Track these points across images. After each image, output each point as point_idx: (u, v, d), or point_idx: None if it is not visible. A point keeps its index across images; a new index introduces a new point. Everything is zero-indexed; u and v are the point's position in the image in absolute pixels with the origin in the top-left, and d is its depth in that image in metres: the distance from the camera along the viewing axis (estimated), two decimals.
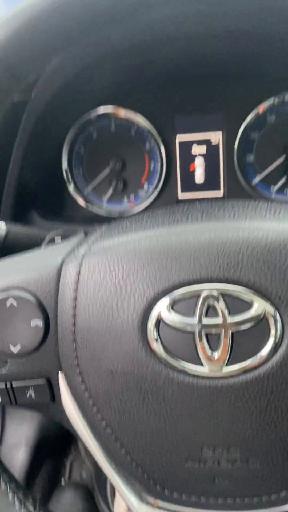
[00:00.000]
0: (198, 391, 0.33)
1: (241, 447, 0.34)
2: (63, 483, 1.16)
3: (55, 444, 1.15)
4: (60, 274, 0.37)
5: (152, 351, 0.34)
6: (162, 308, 0.33)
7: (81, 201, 0.74)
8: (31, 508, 0.41)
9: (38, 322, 0.37)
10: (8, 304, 0.37)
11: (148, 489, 0.37)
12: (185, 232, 0.35)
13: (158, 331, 0.34)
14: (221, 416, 0.34)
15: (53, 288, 0.37)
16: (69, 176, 0.73)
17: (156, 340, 0.34)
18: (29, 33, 0.35)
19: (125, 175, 0.74)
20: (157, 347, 0.34)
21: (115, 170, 0.73)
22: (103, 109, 0.70)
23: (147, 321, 0.34)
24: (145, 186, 0.74)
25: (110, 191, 0.74)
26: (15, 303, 0.37)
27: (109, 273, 0.35)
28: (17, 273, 0.38)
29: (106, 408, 0.36)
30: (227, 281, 0.33)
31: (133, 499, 0.38)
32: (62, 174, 0.73)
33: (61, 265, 0.37)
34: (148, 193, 0.74)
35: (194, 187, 0.73)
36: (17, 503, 0.40)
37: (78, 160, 0.73)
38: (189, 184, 0.73)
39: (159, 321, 0.34)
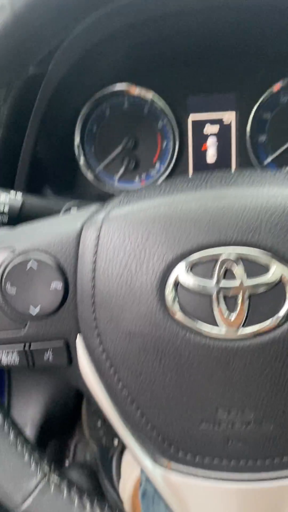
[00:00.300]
0: (214, 352, 0.34)
1: (256, 409, 0.35)
2: (67, 464, 1.17)
3: (60, 425, 1.16)
4: (79, 238, 0.38)
5: (169, 313, 0.35)
6: (180, 271, 0.34)
7: (92, 179, 0.74)
8: (46, 469, 0.42)
9: (57, 285, 0.37)
10: (28, 266, 0.37)
11: (162, 451, 0.38)
12: (205, 197, 0.36)
13: (176, 293, 0.34)
14: (236, 378, 0.34)
15: (72, 252, 0.38)
16: (81, 154, 0.73)
17: (174, 302, 0.34)
18: (45, 2, 0.36)
19: (137, 154, 0.74)
20: (175, 309, 0.34)
21: (127, 149, 0.73)
22: (116, 87, 0.71)
23: (165, 284, 0.35)
24: (157, 165, 0.74)
25: (121, 170, 0.74)
26: (35, 266, 0.37)
27: (128, 237, 0.36)
28: (37, 237, 0.39)
29: (123, 369, 0.36)
30: (245, 244, 0.33)
31: (147, 462, 0.39)
32: (74, 151, 0.73)
33: (81, 229, 0.38)
34: (160, 172, 0.74)
35: (206, 166, 0.73)
36: (33, 463, 0.41)
37: (90, 137, 0.73)
38: (201, 163, 0.73)
39: (177, 284, 0.34)
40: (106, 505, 0.42)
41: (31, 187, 0.64)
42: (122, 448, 1.13)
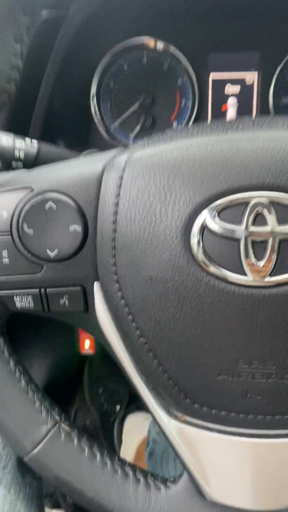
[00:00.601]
0: (238, 300, 0.33)
1: (278, 362, 0.34)
2: None
3: (60, 392, 1.17)
4: (101, 180, 0.36)
5: (194, 259, 0.33)
6: (207, 215, 0.33)
7: (107, 136, 0.72)
8: (57, 417, 0.41)
9: (76, 228, 0.36)
10: (47, 207, 0.36)
11: (178, 403, 0.37)
12: (236, 139, 0.34)
13: (201, 238, 0.33)
14: (260, 328, 0.33)
15: (93, 194, 0.36)
16: (97, 109, 0.71)
17: (199, 247, 0.33)
18: None
19: (154, 112, 0.71)
20: (200, 254, 0.33)
21: (145, 106, 0.71)
22: (136, 40, 0.68)
23: (191, 228, 0.33)
24: (174, 124, 0.72)
25: (138, 128, 0.72)
26: (54, 207, 0.36)
27: (153, 179, 0.34)
28: (56, 178, 0.37)
29: (142, 316, 0.35)
30: (278, 188, 0.32)
31: (162, 414, 0.38)
32: (90, 106, 0.71)
33: (102, 171, 0.36)
34: None
35: None
36: (43, 411, 0.41)
37: (107, 92, 0.71)
38: None
39: (203, 228, 0.33)
40: (116, 457, 0.41)
41: (45, 140, 0.62)
42: (124, 414, 1.14)
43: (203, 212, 0.33)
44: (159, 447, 0.70)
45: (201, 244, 0.33)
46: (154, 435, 0.74)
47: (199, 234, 0.33)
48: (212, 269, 0.33)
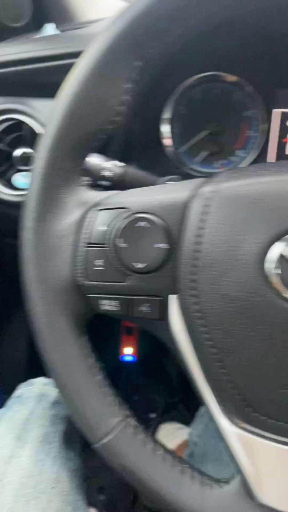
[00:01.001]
0: None
1: None
2: None
3: None
4: (187, 205, 0.41)
5: (269, 283, 0.38)
6: (283, 245, 0.37)
7: (174, 160, 0.77)
8: (127, 412, 0.46)
9: (163, 245, 0.41)
10: (140, 225, 0.41)
11: (239, 411, 0.42)
12: None
13: (277, 264, 0.37)
14: None
15: (180, 217, 0.41)
16: (168, 133, 0.76)
17: (274, 272, 0.37)
18: None
19: (220, 140, 0.76)
20: (274, 279, 0.37)
21: (213, 133, 0.76)
22: (211, 72, 0.73)
23: (267, 255, 0.38)
24: (238, 152, 0.77)
25: (204, 153, 0.77)
26: (146, 225, 0.41)
27: (236, 209, 0.39)
28: (149, 200, 0.42)
29: (215, 329, 0.40)
30: None
31: (223, 420, 0.43)
32: (161, 130, 0.76)
33: (188, 197, 0.41)
34: (240, 159, 0.77)
35: (286, 158, 0.75)
36: (115, 405, 0.46)
37: (178, 119, 0.76)
38: (281, 156, 0.75)
39: (279, 256, 0.37)
40: (175, 454, 0.46)
41: (120, 161, 0.68)
42: (158, 422, 1.18)
43: (280, 241, 0.37)
44: (199, 449, 0.74)
45: (276, 270, 0.37)
46: (195, 438, 0.78)
47: (275, 261, 0.37)
48: (285, 293, 0.37)
